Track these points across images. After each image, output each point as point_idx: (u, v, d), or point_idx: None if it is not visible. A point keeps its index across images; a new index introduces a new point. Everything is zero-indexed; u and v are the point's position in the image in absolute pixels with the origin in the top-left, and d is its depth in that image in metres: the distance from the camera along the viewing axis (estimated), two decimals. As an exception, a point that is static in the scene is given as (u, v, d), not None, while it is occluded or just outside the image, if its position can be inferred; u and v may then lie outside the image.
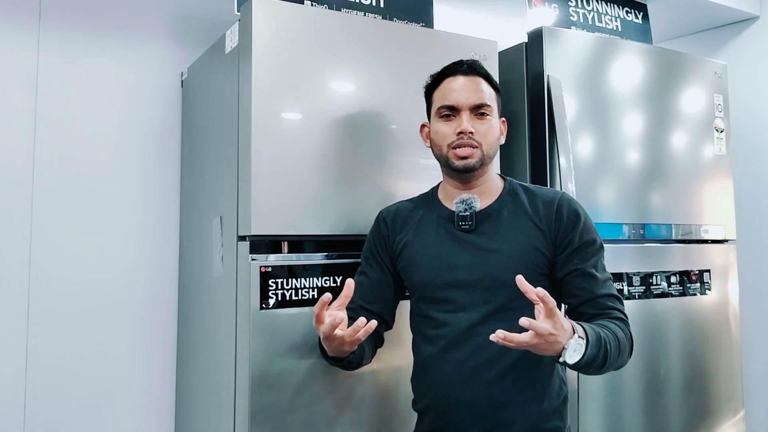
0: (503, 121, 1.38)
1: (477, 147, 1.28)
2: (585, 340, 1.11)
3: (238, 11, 1.59)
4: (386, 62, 1.60)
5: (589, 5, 2.21)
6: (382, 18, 1.75)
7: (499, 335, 1.05)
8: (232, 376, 1.47)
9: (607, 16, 2.24)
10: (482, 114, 1.30)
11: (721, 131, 2.20)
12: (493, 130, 1.31)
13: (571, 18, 2.16)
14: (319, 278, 1.47)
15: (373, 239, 1.42)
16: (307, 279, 1.46)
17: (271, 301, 1.41)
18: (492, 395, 1.24)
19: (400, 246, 1.37)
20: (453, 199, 1.33)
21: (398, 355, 1.54)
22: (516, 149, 1.90)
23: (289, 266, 1.44)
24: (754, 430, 2.48)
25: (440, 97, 1.33)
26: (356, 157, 1.54)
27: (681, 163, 2.08)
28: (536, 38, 1.88)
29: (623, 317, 1.26)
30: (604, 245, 1.33)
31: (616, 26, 2.26)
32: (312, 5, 1.66)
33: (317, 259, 1.48)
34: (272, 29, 1.46)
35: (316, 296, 1.46)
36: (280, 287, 1.42)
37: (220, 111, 1.65)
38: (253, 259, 1.41)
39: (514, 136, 1.88)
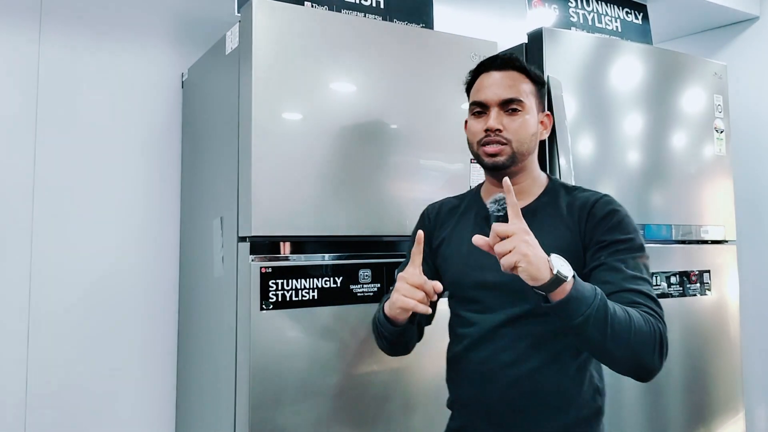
0: (547, 115, 1.32)
1: (506, 144, 1.23)
2: (569, 269, 1.03)
3: (238, 12, 1.59)
4: (386, 63, 1.60)
5: (589, 6, 2.21)
6: (382, 19, 1.75)
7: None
8: (232, 377, 1.48)
9: (607, 17, 2.24)
10: (514, 110, 1.24)
11: (721, 132, 2.20)
12: (526, 126, 1.25)
13: (571, 19, 2.16)
14: (320, 279, 1.47)
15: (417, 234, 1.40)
16: (308, 280, 1.46)
17: (272, 302, 1.41)
18: (509, 398, 1.21)
19: (439, 240, 1.35)
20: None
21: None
22: (516, 150, 1.90)
23: (290, 267, 1.45)
24: (754, 429, 2.48)
25: (473, 94, 1.30)
26: (356, 158, 1.54)
27: (681, 164, 2.08)
28: (536, 39, 1.88)
29: (652, 313, 1.14)
30: None
31: (616, 27, 2.26)
32: (312, 6, 1.66)
33: (317, 260, 1.48)
34: (272, 30, 1.46)
35: (316, 297, 1.46)
36: (280, 288, 1.42)
37: (221, 112, 1.65)
38: (253, 260, 1.41)
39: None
